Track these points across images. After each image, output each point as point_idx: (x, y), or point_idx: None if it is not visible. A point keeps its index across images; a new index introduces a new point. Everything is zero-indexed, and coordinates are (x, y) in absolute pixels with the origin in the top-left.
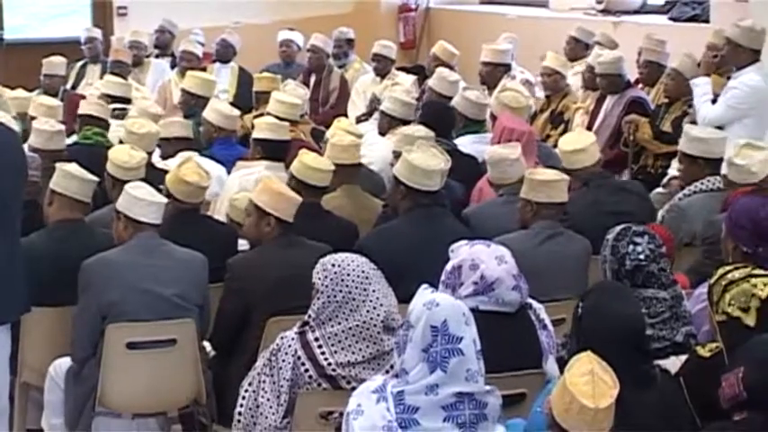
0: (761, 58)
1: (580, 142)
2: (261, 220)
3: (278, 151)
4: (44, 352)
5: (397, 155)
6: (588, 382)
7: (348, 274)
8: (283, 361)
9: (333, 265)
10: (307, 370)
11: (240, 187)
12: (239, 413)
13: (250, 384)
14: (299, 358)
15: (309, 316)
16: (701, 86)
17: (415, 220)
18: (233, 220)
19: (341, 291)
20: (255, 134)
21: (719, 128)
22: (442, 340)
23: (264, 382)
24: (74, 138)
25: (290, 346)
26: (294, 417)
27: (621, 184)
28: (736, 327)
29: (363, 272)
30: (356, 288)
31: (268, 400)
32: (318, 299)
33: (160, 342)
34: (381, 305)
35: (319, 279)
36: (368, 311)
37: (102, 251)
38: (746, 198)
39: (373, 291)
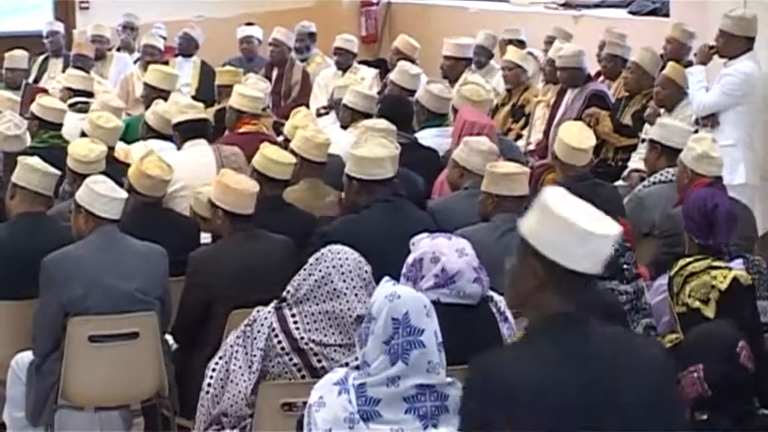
0: (753, 46)
1: (583, 143)
2: (214, 213)
3: (192, 130)
4: (6, 345)
5: None
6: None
7: (332, 259)
8: (258, 332)
9: (328, 249)
10: (280, 341)
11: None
12: (208, 384)
13: (221, 358)
14: (273, 330)
15: (288, 291)
16: (696, 75)
17: (380, 212)
18: (196, 213)
19: (320, 271)
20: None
21: (714, 115)
22: (403, 332)
23: (237, 351)
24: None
25: (266, 318)
26: (256, 407)
27: (598, 182)
28: (695, 318)
29: (350, 268)
30: (338, 275)
31: (240, 367)
32: (300, 274)
33: (122, 335)
34: (359, 303)
35: (312, 255)
36: (347, 302)
37: (65, 245)
38: (698, 191)
39: (354, 287)
